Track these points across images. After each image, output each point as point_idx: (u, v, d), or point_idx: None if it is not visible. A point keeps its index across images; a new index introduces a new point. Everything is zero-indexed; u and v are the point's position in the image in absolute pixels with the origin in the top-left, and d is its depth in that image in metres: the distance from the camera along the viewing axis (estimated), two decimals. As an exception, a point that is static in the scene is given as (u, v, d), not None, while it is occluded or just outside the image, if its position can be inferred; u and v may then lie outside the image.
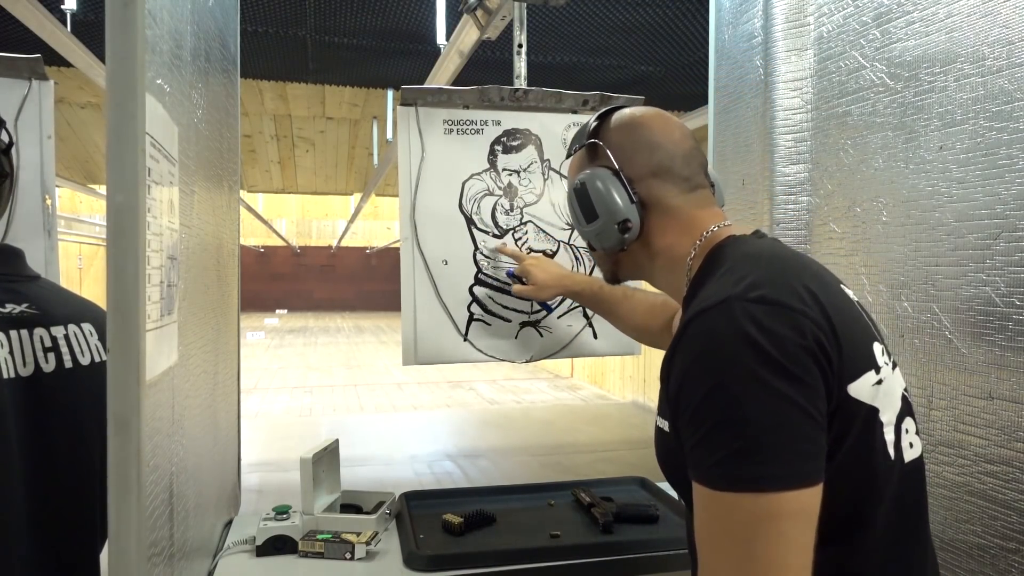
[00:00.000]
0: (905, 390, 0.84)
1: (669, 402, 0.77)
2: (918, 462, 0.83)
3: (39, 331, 0.97)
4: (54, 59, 2.87)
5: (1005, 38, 1.01)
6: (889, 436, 0.78)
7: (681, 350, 0.74)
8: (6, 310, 0.94)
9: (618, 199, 0.91)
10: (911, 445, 0.82)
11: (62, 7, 2.80)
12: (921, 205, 1.15)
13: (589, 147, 0.99)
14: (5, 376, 0.90)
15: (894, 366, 0.84)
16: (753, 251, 0.85)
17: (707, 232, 0.90)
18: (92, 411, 1.01)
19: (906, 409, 0.83)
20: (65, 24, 2.78)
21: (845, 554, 0.76)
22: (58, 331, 1.00)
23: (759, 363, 0.68)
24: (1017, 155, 0.99)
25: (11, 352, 0.92)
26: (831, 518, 0.71)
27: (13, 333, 0.94)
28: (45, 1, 2.54)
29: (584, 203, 0.95)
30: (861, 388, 0.75)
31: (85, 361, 1.02)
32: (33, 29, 2.61)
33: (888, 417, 0.78)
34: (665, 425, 0.81)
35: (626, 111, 0.98)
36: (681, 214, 0.92)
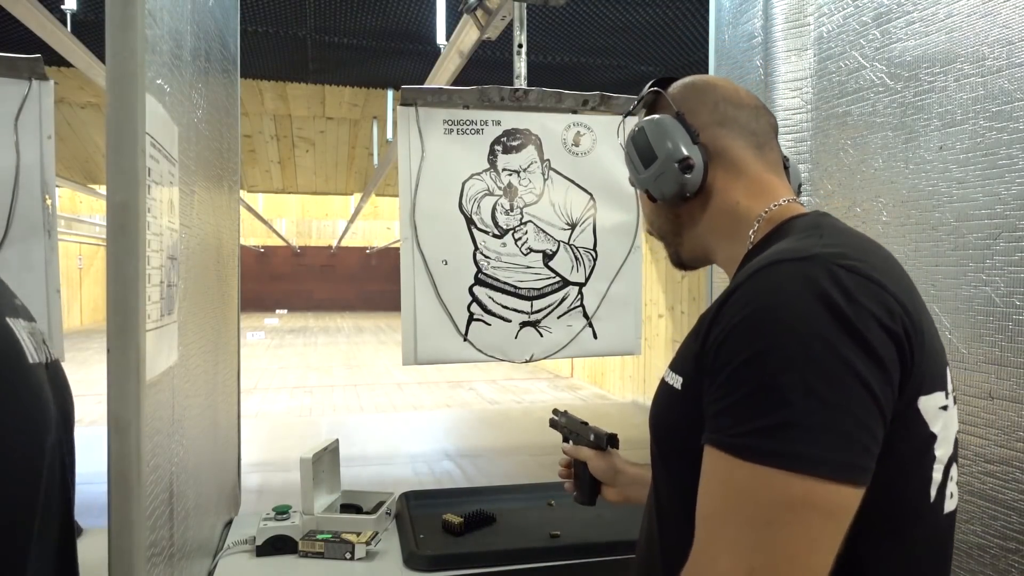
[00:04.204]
0: (957, 432, 0.73)
1: (697, 356, 0.67)
2: (952, 517, 0.72)
3: (32, 324, 0.95)
4: (54, 59, 2.87)
5: (1005, 38, 1.01)
6: (937, 475, 0.67)
7: (736, 300, 0.64)
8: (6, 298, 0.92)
9: (679, 138, 0.82)
10: (951, 495, 0.71)
11: (62, 7, 2.80)
12: (921, 205, 1.15)
13: (649, 101, 0.92)
14: (31, 361, 0.85)
15: (954, 401, 0.72)
16: (847, 229, 0.76)
17: (778, 203, 0.80)
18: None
19: (955, 454, 0.72)
20: (65, 24, 2.78)
21: None
22: (36, 326, 0.97)
23: (834, 329, 0.58)
24: (1017, 155, 0.99)
25: (31, 335, 0.88)
26: None
27: (23, 322, 0.90)
28: (45, 1, 2.54)
29: (641, 146, 0.85)
30: (929, 406, 0.65)
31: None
32: (33, 29, 2.61)
33: (942, 453, 0.68)
34: (677, 382, 0.71)
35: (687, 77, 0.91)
36: (749, 171, 0.82)
